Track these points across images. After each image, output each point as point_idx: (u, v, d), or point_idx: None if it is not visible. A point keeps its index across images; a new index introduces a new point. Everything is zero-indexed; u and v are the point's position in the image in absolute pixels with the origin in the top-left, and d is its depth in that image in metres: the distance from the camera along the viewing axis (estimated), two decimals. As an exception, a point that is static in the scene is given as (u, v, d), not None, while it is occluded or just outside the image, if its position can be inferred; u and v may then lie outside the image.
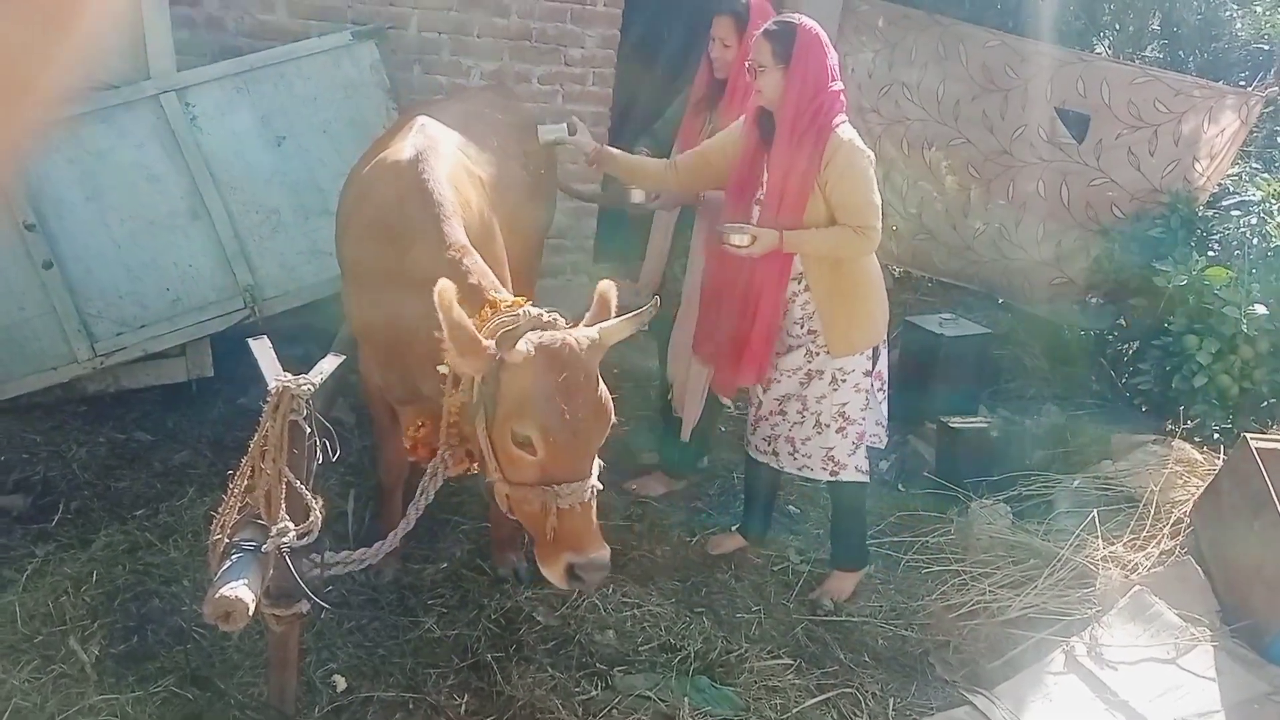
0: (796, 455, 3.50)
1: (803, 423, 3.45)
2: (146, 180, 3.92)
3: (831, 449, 3.44)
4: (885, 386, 3.55)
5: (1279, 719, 3.03)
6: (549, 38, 5.16)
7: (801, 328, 3.38)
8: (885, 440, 3.68)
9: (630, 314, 2.39)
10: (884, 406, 3.56)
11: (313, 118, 4.18)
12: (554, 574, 2.30)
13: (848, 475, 3.48)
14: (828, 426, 3.42)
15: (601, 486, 2.33)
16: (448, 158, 2.80)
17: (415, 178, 2.62)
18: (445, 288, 2.12)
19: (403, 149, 2.73)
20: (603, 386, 2.32)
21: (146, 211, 3.93)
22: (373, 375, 3.00)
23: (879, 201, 3.21)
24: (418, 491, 2.53)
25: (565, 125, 3.49)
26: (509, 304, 2.40)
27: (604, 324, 2.36)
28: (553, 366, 2.22)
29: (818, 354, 3.37)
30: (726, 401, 3.67)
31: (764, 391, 3.50)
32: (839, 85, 3.20)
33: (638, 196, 3.53)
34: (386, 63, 4.34)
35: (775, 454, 3.54)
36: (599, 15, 5.25)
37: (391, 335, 2.68)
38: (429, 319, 2.17)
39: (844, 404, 3.40)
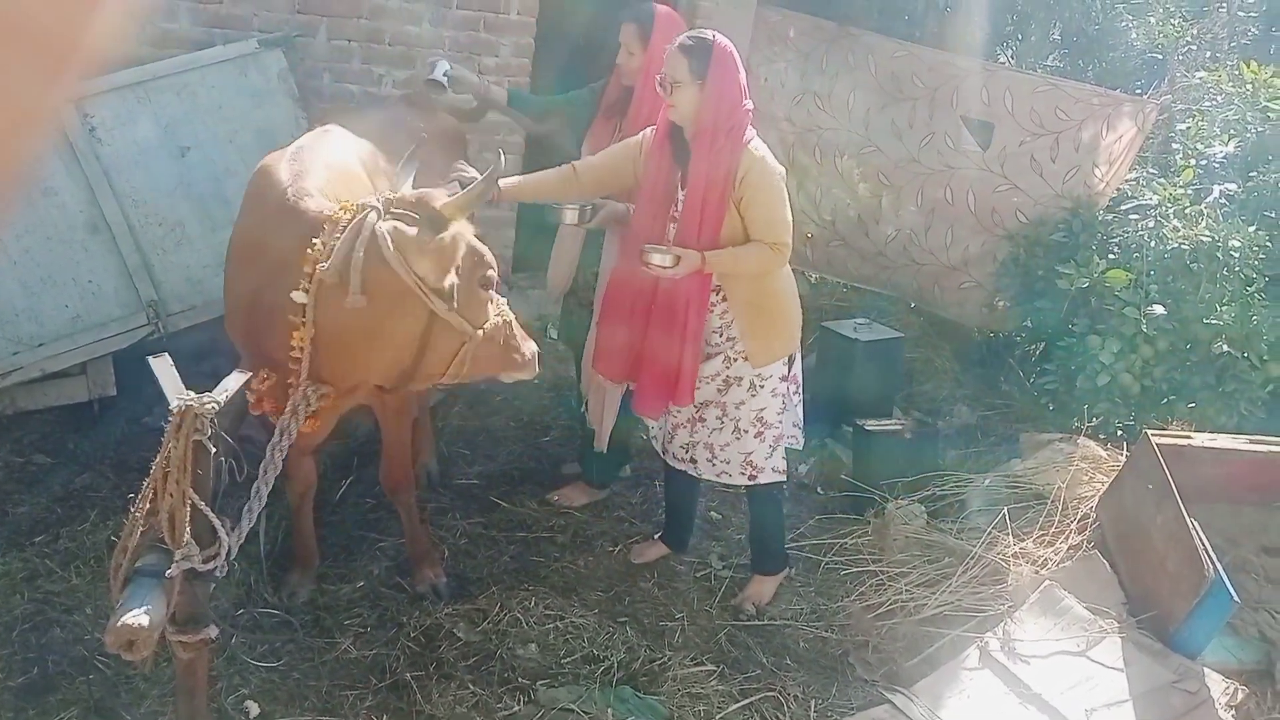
0: (715, 462, 3.51)
1: (721, 429, 3.46)
2: (42, 193, 3.78)
3: (750, 454, 3.47)
4: (800, 389, 3.60)
5: (1183, 706, 3.13)
6: (462, 46, 5.12)
7: (720, 335, 3.39)
8: (802, 442, 3.72)
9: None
10: (800, 409, 3.61)
11: (218, 128, 4.07)
12: None
13: (765, 478, 3.51)
14: (746, 432, 3.44)
15: None
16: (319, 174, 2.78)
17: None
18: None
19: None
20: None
21: (42, 226, 3.79)
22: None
23: (790, 218, 3.25)
24: (277, 431, 2.55)
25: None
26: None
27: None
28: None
29: (736, 360, 3.38)
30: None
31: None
32: (749, 104, 3.23)
33: (570, 217, 3.49)
34: (295, 71, 4.26)
35: (694, 461, 3.55)
36: (513, 23, 5.22)
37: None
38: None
39: (761, 409, 3.43)
